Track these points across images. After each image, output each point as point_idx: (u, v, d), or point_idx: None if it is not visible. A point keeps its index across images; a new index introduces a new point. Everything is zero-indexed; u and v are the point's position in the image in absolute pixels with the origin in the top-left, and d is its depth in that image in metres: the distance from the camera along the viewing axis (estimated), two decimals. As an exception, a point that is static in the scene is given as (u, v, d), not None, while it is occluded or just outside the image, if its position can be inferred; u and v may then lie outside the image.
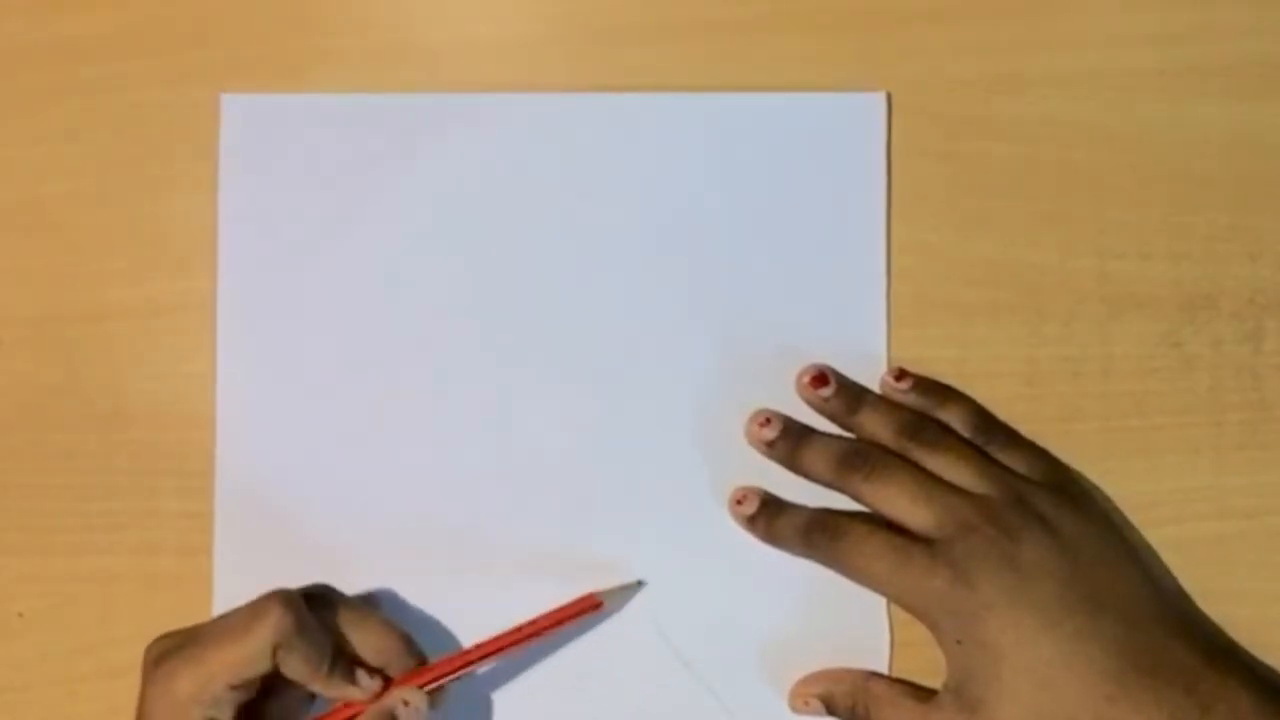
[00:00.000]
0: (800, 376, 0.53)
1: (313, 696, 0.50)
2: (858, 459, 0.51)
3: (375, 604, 0.52)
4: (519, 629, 0.51)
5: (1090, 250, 0.54)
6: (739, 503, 0.52)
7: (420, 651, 0.50)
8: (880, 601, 0.52)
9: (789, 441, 0.52)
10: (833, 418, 0.53)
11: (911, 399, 0.52)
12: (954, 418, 0.52)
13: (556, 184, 0.54)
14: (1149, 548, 0.53)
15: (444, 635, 0.53)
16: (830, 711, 0.51)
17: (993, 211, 0.54)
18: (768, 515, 0.52)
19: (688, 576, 0.53)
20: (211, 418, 0.53)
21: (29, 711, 0.53)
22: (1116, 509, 0.53)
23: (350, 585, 0.52)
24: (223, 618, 0.48)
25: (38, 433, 0.54)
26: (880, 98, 0.54)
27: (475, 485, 0.53)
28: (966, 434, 0.52)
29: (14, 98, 0.54)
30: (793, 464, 0.52)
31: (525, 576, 0.53)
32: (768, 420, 0.52)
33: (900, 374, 0.53)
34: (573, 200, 0.54)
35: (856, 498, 0.51)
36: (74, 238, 0.54)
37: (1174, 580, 0.53)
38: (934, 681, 0.50)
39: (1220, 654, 0.49)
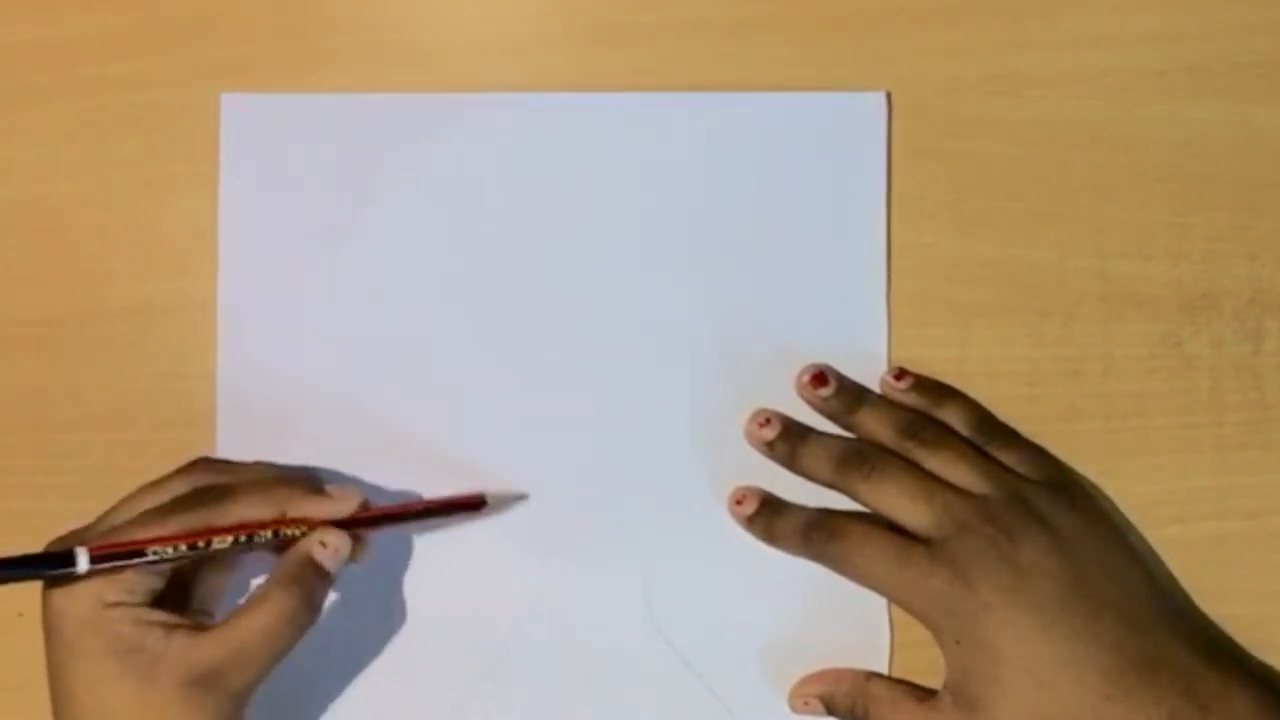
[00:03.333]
0: (800, 376, 0.53)
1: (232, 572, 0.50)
2: (857, 459, 0.51)
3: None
4: (408, 503, 0.52)
5: (1090, 250, 0.54)
6: (739, 503, 0.52)
7: (318, 485, 0.49)
8: (880, 601, 0.52)
9: (789, 441, 0.52)
10: (832, 417, 0.53)
11: (911, 398, 0.52)
12: (954, 417, 0.52)
13: (556, 184, 0.54)
14: (1149, 548, 0.53)
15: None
16: (830, 712, 0.51)
17: (993, 211, 0.54)
18: (767, 515, 0.52)
19: (688, 576, 0.53)
20: (211, 418, 0.53)
21: (29, 711, 0.53)
22: (1116, 509, 0.53)
23: (350, 584, 0.52)
24: (128, 501, 0.48)
25: (38, 433, 0.54)
26: (880, 98, 0.54)
27: (475, 485, 0.53)
28: (966, 434, 0.52)
29: (14, 98, 0.54)
30: (792, 464, 0.52)
31: (534, 576, 0.53)
32: (768, 420, 0.52)
33: (900, 373, 0.53)
34: (572, 200, 0.54)
35: (856, 498, 0.51)
36: (74, 238, 0.54)
37: (1174, 580, 0.53)
38: (934, 681, 0.50)
39: (1220, 654, 0.49)
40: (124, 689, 0.45)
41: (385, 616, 0.53)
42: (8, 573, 0.46)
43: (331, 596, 0.51)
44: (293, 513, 0.48)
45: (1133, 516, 0.53)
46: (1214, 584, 0.52)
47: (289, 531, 0.48)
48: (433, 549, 0.53)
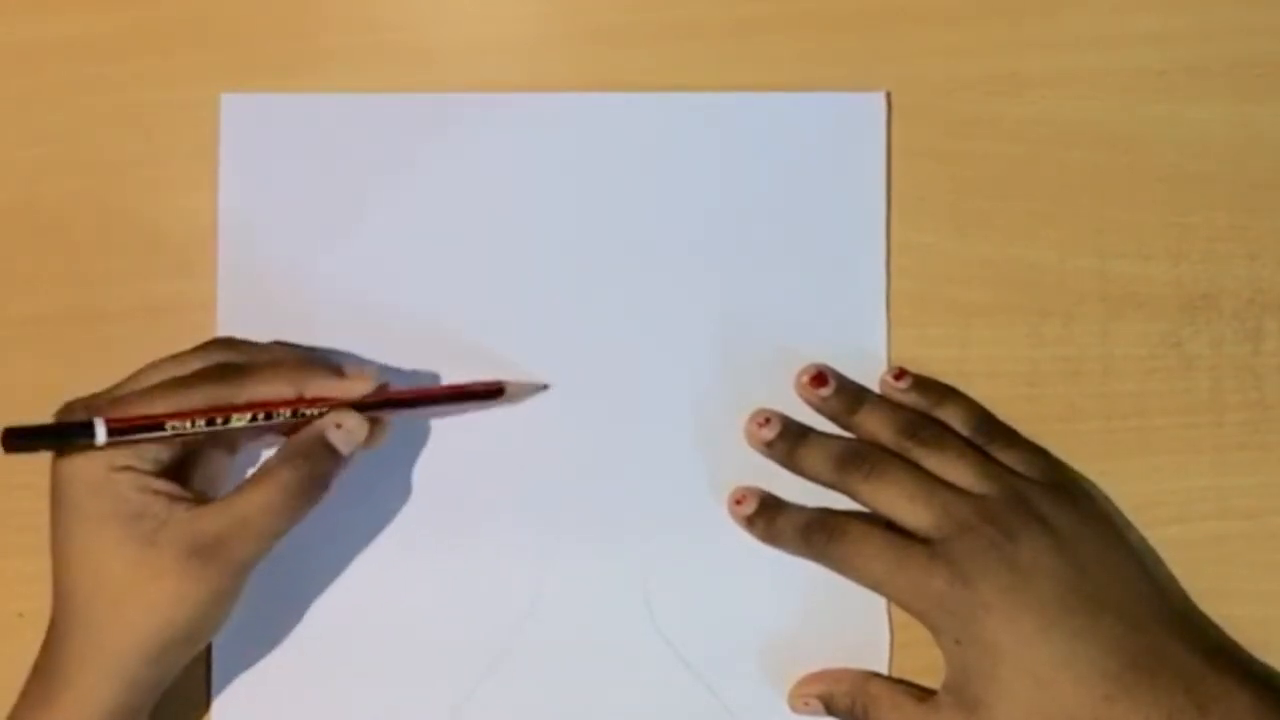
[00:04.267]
0: (800, 376, 0.53)
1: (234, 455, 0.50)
2: (857, 459, 0.51)
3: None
4: (427, 388, 0.52)
5: (1090, 250, 0.54)
6: (738, 503, 0.52)
7: (336, 366, 0.49)
8: (880, 601, 0.52)
9: (788, 441, 0.52)
10: (832, 417, 0.53)
11: (911, 398, 0.52)
12: (953, 417, 0.52)
13: (556, 184, 0.54)
14: (1149, 548, 0.53)
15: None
16: (830, 712, 0.51)
17: (993, 211, 0.54)
18: (767, 515, 0.52)
19: (688, 576, 0.53)
20: (211, 418, 0.53)
21: (29, 711, 0.53)
22: (1116, 509, 0.53)
23: (351, 584, 0.52)
24: (144, 372, 0.48)
25: (38, 433, 0.54)
26: (880, 98, 0.54)
27: (476, 485, 0.53)
28: (966, 434, 0.52)
29: (14, 98, 0.54)
30: (792, 464, 0.52)
31: (533, 576, 0.53)
32: (767, 420, 0.52)
33: (900, 373, 0.53)
34: (572, 201, 0.54)
35: (855, 497, 0.51)
36: (74, 238, 0.54)
37: (1173, 580, 0.53)
38: (934, 681, 0.50)
39: (1219, 654, 0.49)
40: (124, 554, 0.45)
41: (385, 616, 0.53)
42: (26, 442, 0.46)
43: (331, 596, 0.51)
44: (310, 393, 0.48)
45: (1133, 516, 0.53)
46: (1214, 584, 0.52)
47: (307, 412, 0.48)
48: (433, 549, 0.53)
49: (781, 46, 0.54)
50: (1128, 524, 0.53)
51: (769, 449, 0.52)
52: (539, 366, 0.53)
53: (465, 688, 0.53)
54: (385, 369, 0.53)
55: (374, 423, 0.49)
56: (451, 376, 0.53)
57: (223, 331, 0.53)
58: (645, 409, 0.53)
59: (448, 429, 0.53)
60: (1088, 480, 0.53)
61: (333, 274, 0.54)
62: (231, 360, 0.49)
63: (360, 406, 0.49)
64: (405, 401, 0.50)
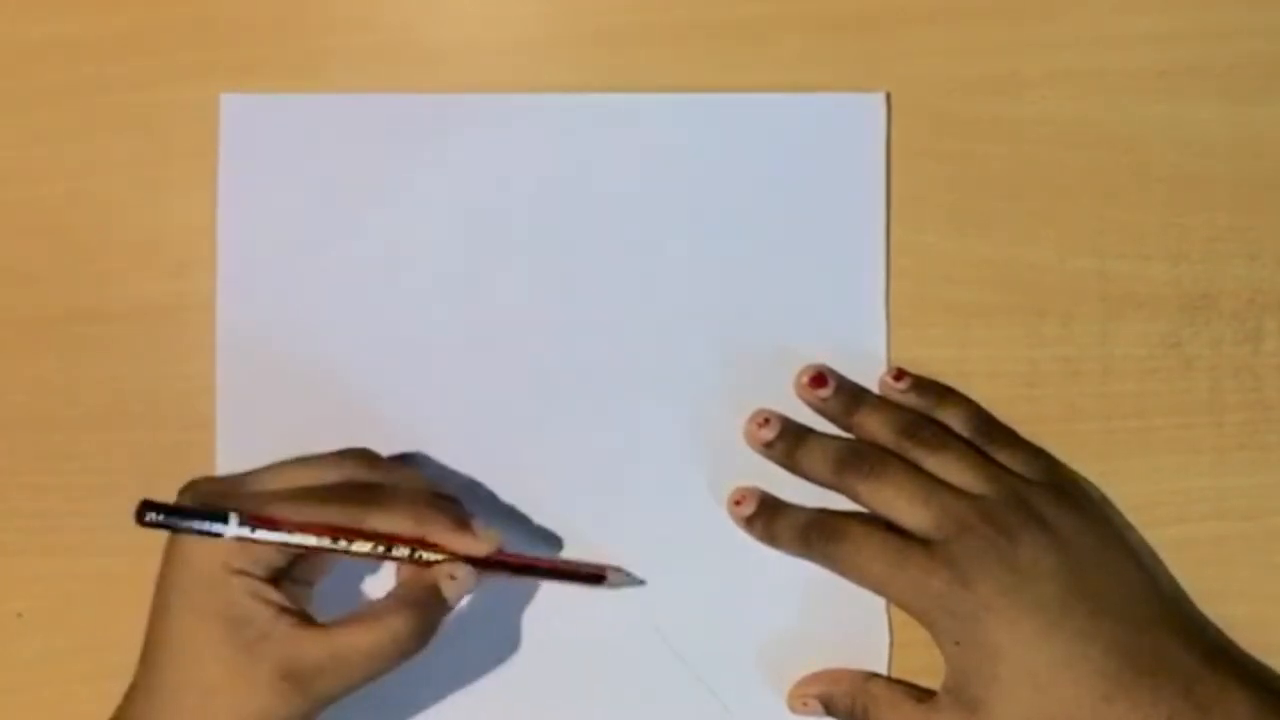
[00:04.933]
0: (799, 377, 0.53)
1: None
2: (856, 459, 0.51)
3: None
4: (539, 558, 0.52)
5: (1090, 250, 0.54)
6: (737, 503, 0.52)
7: (463, 517, 0.49)
8: (880, 602, 0.52)
9: (787, 442, 0.52)
10: (832, 418, 0.53)
11: (910, 399, 0.52)
12: (953, 418, 0.52)
13: (557, 184, 0.54)
14: (1149, 548, 0.53)
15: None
16: (829, 712, 0.51)
17: (993, 211, 0.54)
18: (766, 516, 0.52)
19: (688, 576, 0.53)
20: (211, 418, 0.53)
21: (29, 711, 0.53)
22: (1116, 509, 0.53)
23: (351, 585, 0.52)
24: (279, 470, 0.48)
25: (38, 433, 0.54)
26: (880, 98, 0.54)
27: (476, 485, 0.53)
28: (965, 434, 0.52)
29: (14, 98, 0.54)
30: (791, 464, 0.52)
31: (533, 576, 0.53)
32: (766, 420, 0.52)
33: (899, 374, 0.53)
34: (572, 200, 0.54)
35: (855, 498, 0.51)
36: (74, 238, 0.54)
37: (1173, 581, 0.52)
38: (934, 682, 0.50)
39: (1219, 655, 0.49)
40: (222, 654, 0.45)
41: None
42: (159, 518, 0.45)
43: (332, 596, 0.50)
44: (434, 537, 0.48)
45: (1132, 516, 0.53)
46: (1213, 584, 0.52)
47: (424, 555, 0.47)
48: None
49: (781, 46, 0.54)
50: (1128, 524, 0.53)
51: (768, 449, 0.52)
52: (538, 366, 0.53)
53: (466, 688, 0.53)
54: (385, 369, 0.53)
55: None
56: (451, 376, 0.53)
57: (223, 331, 0.53)
58: (645, 409, 0.53)
59: (448, 429, 0.53)
60: (1088, 481, 0.53)
61: (332, 274, 0.54)
62: (366, 481, 0.48)
63: (474, 562, 0.48)
64: (513, 567, 0.50)
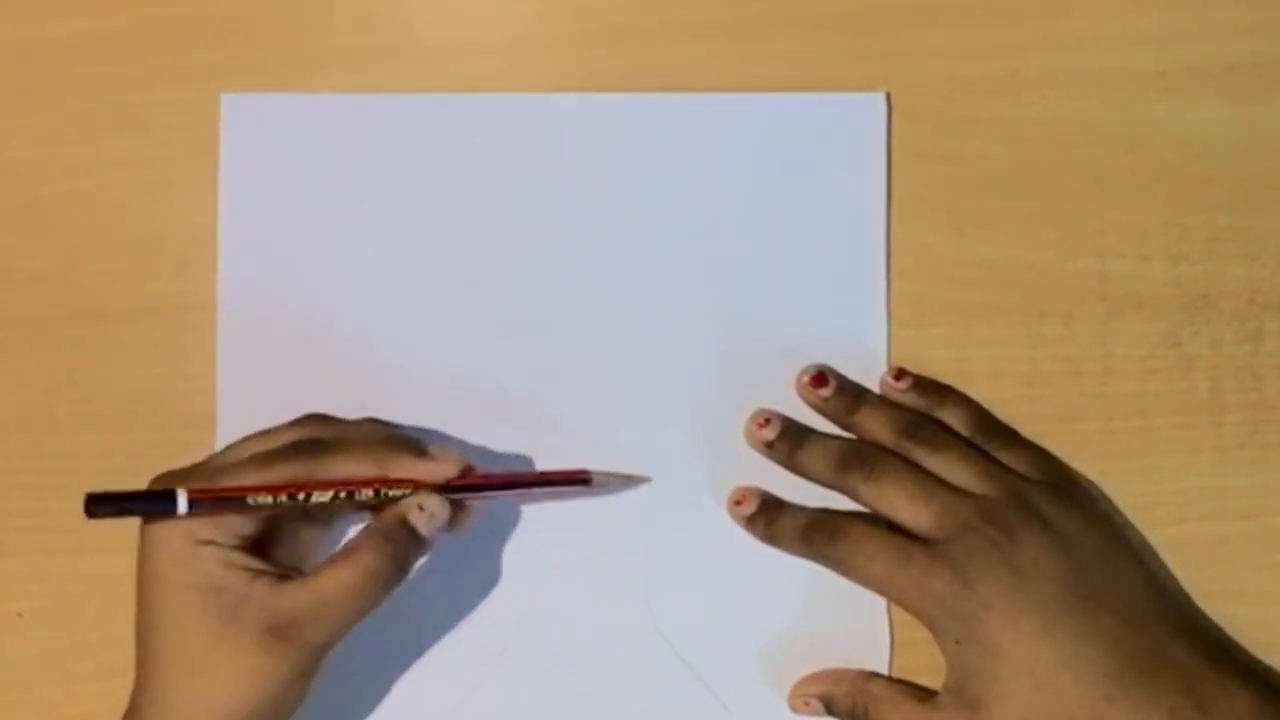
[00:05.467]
0: (800, 377, 0.53)
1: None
2: (857, 459, 0.51)
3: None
4: (513, 472, 0.52)
5: (1090, 250, 0.54)
6: (738, 503, 0.52)
7: (421, 447, 0.49)
8: (880, 601, 0.52)
9: (788, 442, 0.52)
10: (832, 418, 0.53)
11: (911, 399, 0.52)
12: (954, 417, 0.52)
13: (556, 184, 0.54)
14: (1150, 547, 0.53)
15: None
16: (830, 712, 0.51)
17: (993, 211, 0.54)
18: (767, 515, 0.52)
19: (688, 576, 0.53)
20: (211, 418, 0.53)
21: (29, 711, 0.53)
22: (1117, 509, 0.53)
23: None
24: (235, 447, 0.48)
25: (38, 433, 0.54)
26: (880, 98, 0.54)
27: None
28: (966, 434, 0.52)
29: (14, 98, 0.54)
30: (792, 464, 0.52)
31: (533, 576, 0.53)
32: (767, 420, 0.52)
33: (900, 374, 0.53)
34: (572, 201, 0.54)
35: (856, 498, 0.51)
36: (74, 238, 0.54)
37: (1174, 580, 0.52)
38: (934, 681, 0.50)
39: (1220, 654, 0.49)
40: (204, 625, 0.45)
41: (385, 615, 0.53)
42: (108, 507, 0.46)
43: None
44: (395, 473, 0.48)
45: (1132, 516, 0.53)
46: (1214, 584, 0.52)
47: (390, 492, 0.48)
48: (432, 549, 0.53)
49: (781, 46, 0.54)
50: (1129, 524, 0.53)
51: (769, 449, 0.52)
52: (539, 366, 0.53)
53: (465, 687, 0.53)
54: (385, 369, 0.53)
55: (458, 507, 0.49)
56: (450, 377, 0.53)
57: (223, 331, 0.53)
58: (645, 409, 0.53)
59: (448, 429, 0.53)
60: (1088, 480, 0.53)
61: (332, 274, 0.54)
62: (319, 436, 0.49)
63: (444, 489, 0.48)
64: (488, 485, 0.50)
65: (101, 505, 0.46)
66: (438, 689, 0.53)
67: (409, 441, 0.49)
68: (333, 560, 0.47)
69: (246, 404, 0.53)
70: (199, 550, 0.46)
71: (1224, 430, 0.53)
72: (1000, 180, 0.54)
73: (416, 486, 0.48)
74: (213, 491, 0.46)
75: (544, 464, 0.53)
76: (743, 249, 0.54)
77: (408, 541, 0.48)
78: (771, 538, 0.52)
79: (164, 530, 0.46)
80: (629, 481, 0.53)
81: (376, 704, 0.52)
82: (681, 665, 0.53)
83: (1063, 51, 0.54)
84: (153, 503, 0.46)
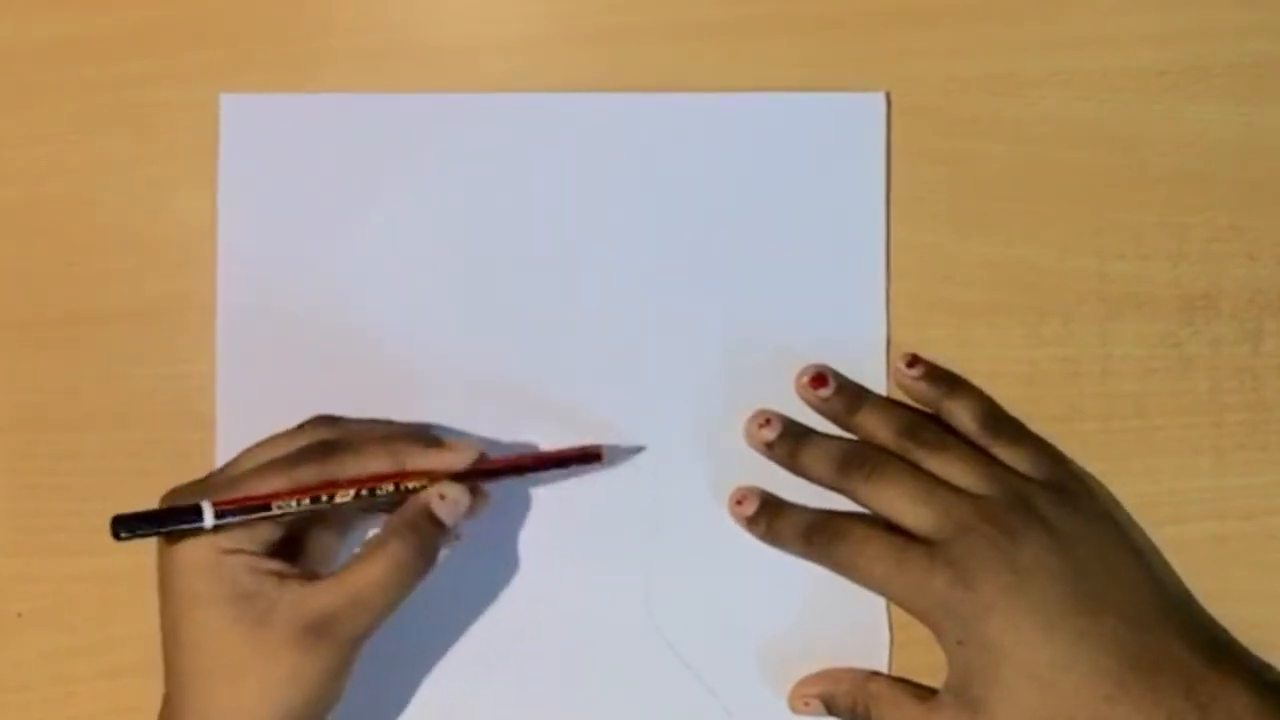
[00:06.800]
0: (800, 377, 0.53)
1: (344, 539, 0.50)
2: (857, 460, 0.51)
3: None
4: (526, 454, 0.52)
5: (1090, 250, 0.54)
6: (739, 503, 0.52)
7: (435, 439, 0.49)
8: (880, 601, 0.52)
9: (789, 442, 0.52)
10: (832, 418, 0.53)
11: (921, 386, 0.52)
12: (962, 408, 0.52)
13: (556, 184, 0.54)
14: (1153, 546, 0.53)
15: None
16: (830, 712, 0.51)
17: (993, 211, 0.54)
18: (767, 516, 0.52)
19: (688, 576, 0.53)
20: (211, 418, 0.53)
21: (28, 711, 0.53)
22: (1120, 507, 0.53)
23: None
24: (249, 454, 0.48)
25: (38, 433, 0.54)
26: (880, 98, 0.54)
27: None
28: (973, 426, 0.52)
29: (14, 98, 0.54)
30: (792, 465, 0.52)
31: (533, 576, 0.53)
32: (767, 421, 0.52)
33: (912, 360, 0.53)
34: (572, 200, 0.54)
35: (856, 499, 0.51)
36: (74, 238, 0.54)
37: (1177, 579, 0.52)
38: (934, 681, 0.50)
39: (1222, 654, 0.49)
40: (239, 634, 0.45)
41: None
42: (135, 528, 0.46)
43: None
44: (412, 466, 0.48)
45: (1132, 516, 0.53)
46: (1213, 584, 0.52)
47: (410, 485, 0.48)
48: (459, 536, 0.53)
49: (781, 46, 0.54)
50: (1131, 523, 0.53)
51: (770, 450, 0.52)
52: (539, 366, 0.53)
53: (466, 687, 0.53)
54: (384, 368, 0.53)
55: (475, 493, 0.49)
56: (450, 377, 0.53)
57: (222, 331, 0.53)
58: (645, 409, 0.53)
59: (447, 429, 0.53)
60: (1092, 478, 0.53)
61: (332, 274, 0.54)
62: (332, 438, 0.49)
63: (460, 478, 0.49)
64: (503, 470, 0.50)
65: (127, 527, 0.46)
66: (438, 689, 0.53)
67: (421, 434, 0.50)
68: (361, 556, 0.47)
69: (246, 404, 0.53)
70: (226, 560, 0.46)
71: (1224, 430, 0.53)
72: (1000, 180, 0.54)
73: (433, 478, 0.48)
74: (238, 501, 0.46)
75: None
76: (743, 249, 0.54)
77: (432, 531, 0.48)
78: (772, 538, 0.52)
79: (189, 544, 0.46)
80: (636, 452, 0.53)
81: (376, 704, 0.52)
82: (681, 665, 0.53)
83: (1063, 51, 0.54)
84: (180, 519, 0.46)
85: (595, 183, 0.54)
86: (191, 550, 0.46)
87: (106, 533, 0.53)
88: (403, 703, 0.53)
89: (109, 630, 0.53)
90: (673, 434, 0.53)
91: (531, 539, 0.53)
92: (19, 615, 0.53)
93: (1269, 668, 0.52)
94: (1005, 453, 0.52)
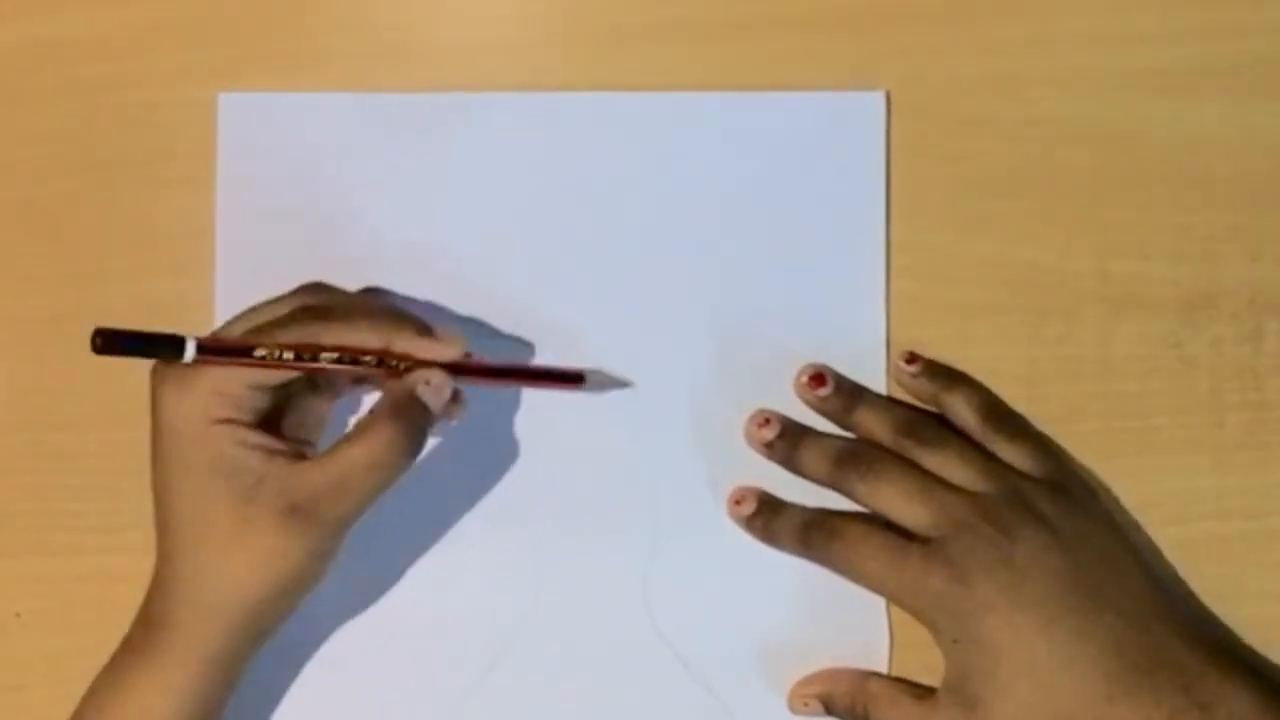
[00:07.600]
0: (799, 377, 0.53)
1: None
2: (855, 458, 0.51)
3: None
4: (512, 364, 0.52)
5: (1090, 250, 0.54)
6: (737, 503, 0.52)
7: (425, 325, 0.49)
8: (880, 601, 0.52)
9: (787, 442, 0.52)
10: (831, 417, 0.53)
11: (921, 383, 0.52)
12: (963, 403, 0.52)
13: (556, 184, 0.54)
14: (1152, 545, 0.53)
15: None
16: (829, 712, 0.51)
17: (993, 211, 0.54)
18: (766, 515, 0.52)
19: (687, 576, 0.53)
20: (211, 418, 0.53)
21: (28, 711, 0.53)
22: (1119, 505, 0.53)
23: (350, 582, 0.52)
24: (240, 317, 0.48)
25: (38, 433, 0.54)
26: (880, 98, 0.54)
27: (475, 484, 0.53)
28: (974, 420, 0.52)
29: (14, 98, 0.54)
30: (791, 464, 0.52)
31: (533, 576, 0.53)
32: (767, 420, 0.52)
33: (911, 358, 0.53)
34: (572, 200, 0.54)
35: (854, 497, 0.51)
36: (74, 238, 0.54)
37: (1176, 578, 0.52)
38: (934, 681, 0.50)
39: (1222, 653, 0.49)
40: (224, 507, 0.46)
41: (385, 616, 0.53)
42: (119, 345, 0.46)
43: (331, 593, 0.50)
44: (398, 347, 0.48)
45: (1132, 516, 0.53)
46: (1213, 584, 0.52)
47: (394, 363, 0.48)
48: (433, 549, 0.53)
49: (781, 46, 0.54)
50: (1131, 521, 0.53)
51: (769, 449, 0.52)
52: (537, 363, 0.53)
53: (465, 687, 0.53)
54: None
55: (454, 396, 0.49)
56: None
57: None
58: (645, 409, 0.53)
59: (447, 429, 0.53)
60: (1092, 476, 0.53)
61: (331, 274, 0.53)
62: (322, 304, 0.49)
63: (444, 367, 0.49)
64: (486, 372, 0.50)
65: (110, 342, 0.46)
66: (438, 689, 0.53)
67: (413, 318, 0.49)
68: (347, 438, 0.47)
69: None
70: (214, 429, 0.46)
71: (1224, 430, 0.53)
72: (1000, 180, 0.54)
73: (418, 364, 0.48)
74: (221, 342, 0.46)
75: (548, 461, 0.53)
76: (742, 248, 0.54)
77: (419, 413, 0.48)
78: (770, 538, 0.52)
79: (179, 410, 0.46)
80: (618, 383, 0.53)
81: (377, 705, 0.52)
82: (681, 666, 0.53)
83: (1063, 51, 0.54)
84: (161, 345, 0.46)
85: (595, 182, 0.54)
86: (182, 417, 0.46)
87: (107, 533, 0.53)
88: (404, 702, 0.53)
89: (109, 630, 0.53)
90: (673, 434, 0.53)
91: (532, 539, 0.53)
92: (18, 615, 0.53)
93: (1269, 666, 0.52)
94: (1005, 449, 0.51)
